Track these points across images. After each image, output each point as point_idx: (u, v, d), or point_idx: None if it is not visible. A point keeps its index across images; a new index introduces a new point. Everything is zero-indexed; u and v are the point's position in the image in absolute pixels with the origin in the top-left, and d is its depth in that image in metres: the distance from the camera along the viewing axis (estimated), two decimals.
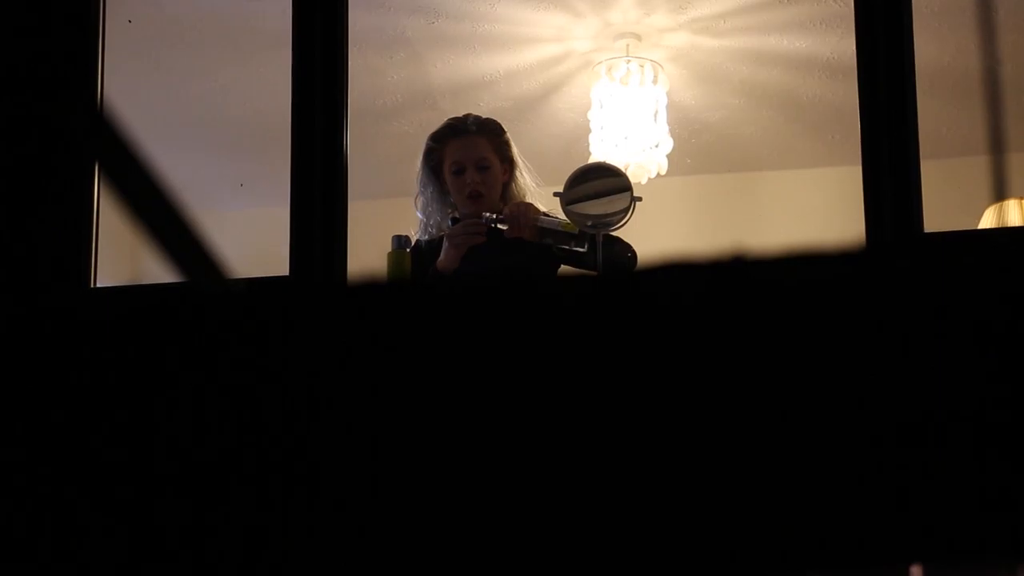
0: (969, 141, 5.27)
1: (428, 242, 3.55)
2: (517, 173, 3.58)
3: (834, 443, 0.70)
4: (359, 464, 0.76)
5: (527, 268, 3.39)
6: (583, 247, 3.28)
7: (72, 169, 2.53)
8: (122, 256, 5.59)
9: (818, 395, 0.71)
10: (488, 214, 3.40)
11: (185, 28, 4.95)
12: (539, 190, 3.57)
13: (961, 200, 4.79)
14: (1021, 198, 4.72)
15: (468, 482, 0.74)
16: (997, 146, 4.88)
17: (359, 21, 3.75)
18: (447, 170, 3.54)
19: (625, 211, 3.23)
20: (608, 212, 3.23)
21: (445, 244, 3.42)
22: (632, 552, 0.71)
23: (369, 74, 5.16)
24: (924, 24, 4.11)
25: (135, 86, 5.08)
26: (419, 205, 3.62)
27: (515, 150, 3.59)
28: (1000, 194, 4.74)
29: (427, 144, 3.60)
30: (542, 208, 3.46)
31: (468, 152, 3.54)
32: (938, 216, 3.04)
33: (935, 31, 4.81)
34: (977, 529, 0.70)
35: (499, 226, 3.38)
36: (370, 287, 0.77)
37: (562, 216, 3.31)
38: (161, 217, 0.83)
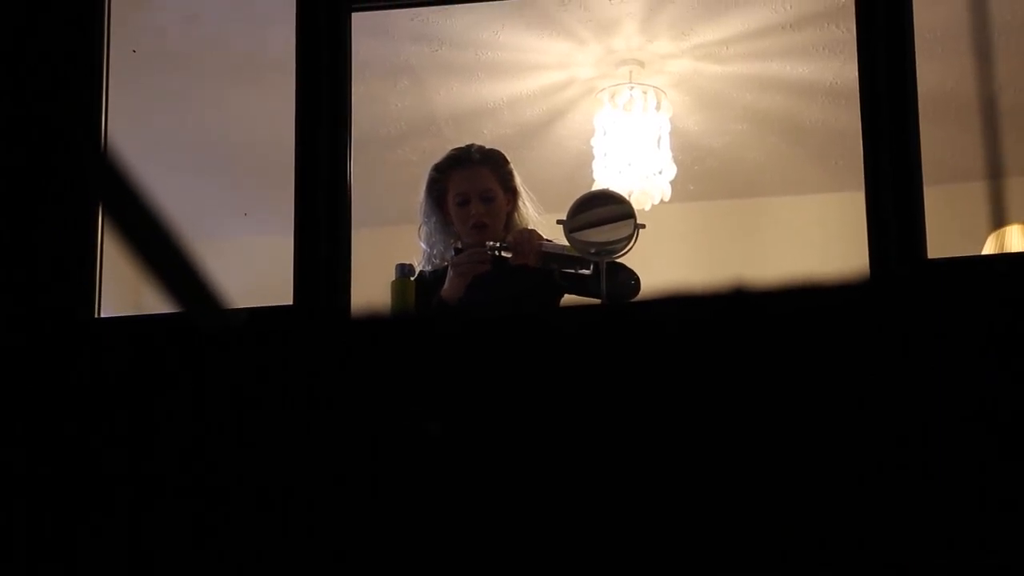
0: (973, 166, 5.27)
1: (432, 272, 3.55)
2: (520, 203, 3.58)
3: (834, 461, 0.70)
4: (361, 490, 0.76)
5: (532, 297, 3.39)
6: (588, 269, 3.29)
7: (77, 203, 2.54)
8: (126, 286, 5.60)
9: (818, 417, 0.71)
10: (492, 242, 3.41)
11: (189, 57, 4.96)
12: (541, 219, 3.57)
13: (965, 225, 4.79)
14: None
15: (475, 507, 0.74)
16: (999, 171, 4.89)
17: (362, 49, 3.76)
18: (451, 201, 3.54)
19: (629, 238, 3.23)
20: (612, 240, 3.23)
21: (450, 273, 3.41)
22: (640, 562, 0.71)
23: (372, 102, 5.17)
24: (926, 49, 4.12)
25: (140, 115, 5.09)
26: (423, 235, 3.62)
27: (518, 180, 3.60)
28: (1003, 219, 4.74)
29: (430, 175, 3.61)
30: (545, 236, 3.47)
31: (472, 184, 3.54)
32: (942, 242, 3.04)
33: (938, 57, 4.82)
34: (973, 538, 0.70)
35: (503, 254, 3.38)
36: (374, 320, 0.77)
37: (565, 244, 3.31)
38: (163, 257, 0.84)
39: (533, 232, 3.46)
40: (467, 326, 0.71)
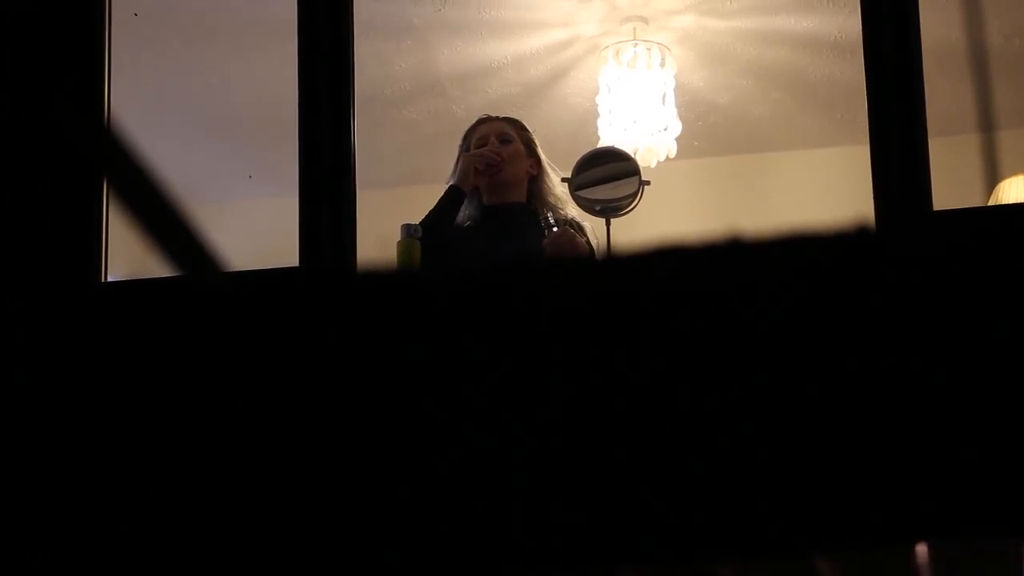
0: (978, 118, 5.25)
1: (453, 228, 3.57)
2: (545, 177, 3.54)
3: (836, 421, 0.71)
4: (366, 448, 0.76)
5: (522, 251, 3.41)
6: None
7: (81, 168, 2.54)
8: (134, 250, 5.60)
9: (818, 371, 0.71)
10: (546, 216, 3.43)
11: (191, 20, 4.95)
12: (568, 197, 3.52)
13: (970, 177, 4.78)
14: None
15: (472, 466, 0.74)
16: (996, 123, 4.87)
17: (365, 9, 3.75)
18: (473, 148, 3.59)
19: (634, 195, 3.24)
20: (617, 196, 3.24)
21: (461, 164, 3.48)
22: (629, 532, 0.71)
23: (376, 62, 5.16)
24: (930, 1, 4.10)
25: (143, 79, 5.08)
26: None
27: (541, 152, 3.60)
28: (1000, 172, 4.73)
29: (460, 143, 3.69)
30: (589, 233, 3.40)
31: (491, 128, 3.62)
32: (947, 194, 3.04)
33: (942, 8, 4.79)
34: (982, 505, 0.70)
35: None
36: (375, 276, 0.77)
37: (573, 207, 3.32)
38: (164, 224, 0.84)
39: (577, 242, 3.36)
40: (452, 282, 0.72)
